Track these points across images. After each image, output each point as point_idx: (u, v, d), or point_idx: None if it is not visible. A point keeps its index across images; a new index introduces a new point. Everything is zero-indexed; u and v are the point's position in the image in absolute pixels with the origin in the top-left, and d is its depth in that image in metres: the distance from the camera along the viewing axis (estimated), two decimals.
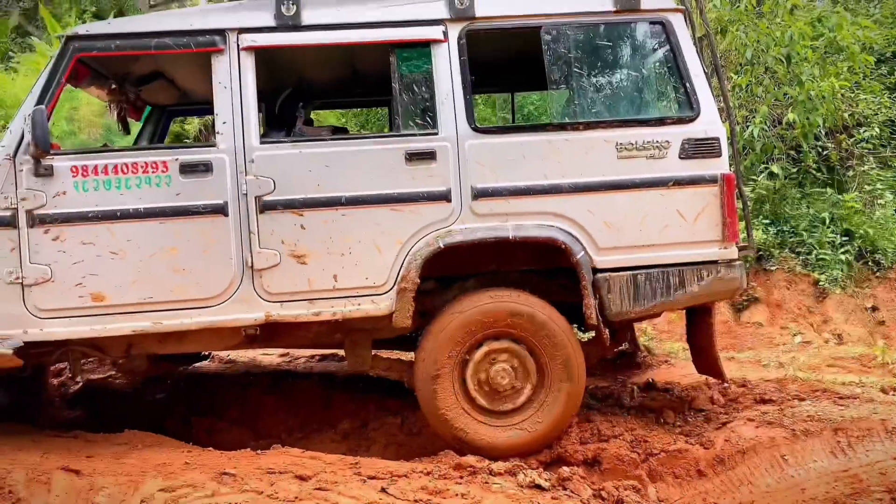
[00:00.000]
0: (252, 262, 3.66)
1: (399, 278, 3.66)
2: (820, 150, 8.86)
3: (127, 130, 4.97)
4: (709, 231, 3.75)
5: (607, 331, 3.78)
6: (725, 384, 4.38)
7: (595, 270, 3.69)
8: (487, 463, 3.35)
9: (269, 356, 5.79)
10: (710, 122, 3.75)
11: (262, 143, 3.73)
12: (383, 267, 3.68)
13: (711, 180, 3.72)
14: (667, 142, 3.72)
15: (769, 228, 7.95)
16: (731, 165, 3.85)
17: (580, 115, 3.81)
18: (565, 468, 3.32)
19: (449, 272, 3.90)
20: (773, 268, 7.77)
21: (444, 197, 3.69)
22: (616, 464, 3.61)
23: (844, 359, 5.52)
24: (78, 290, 3.54)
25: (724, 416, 4.01)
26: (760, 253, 7.83)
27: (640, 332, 6.63)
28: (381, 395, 4.62)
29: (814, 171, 8.79)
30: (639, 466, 3.61)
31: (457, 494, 2.94)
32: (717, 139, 3.74)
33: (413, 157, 3.71)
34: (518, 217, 3.71)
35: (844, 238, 7.93)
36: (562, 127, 3.82)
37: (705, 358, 4.14)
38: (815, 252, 7.85)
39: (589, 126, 3.77)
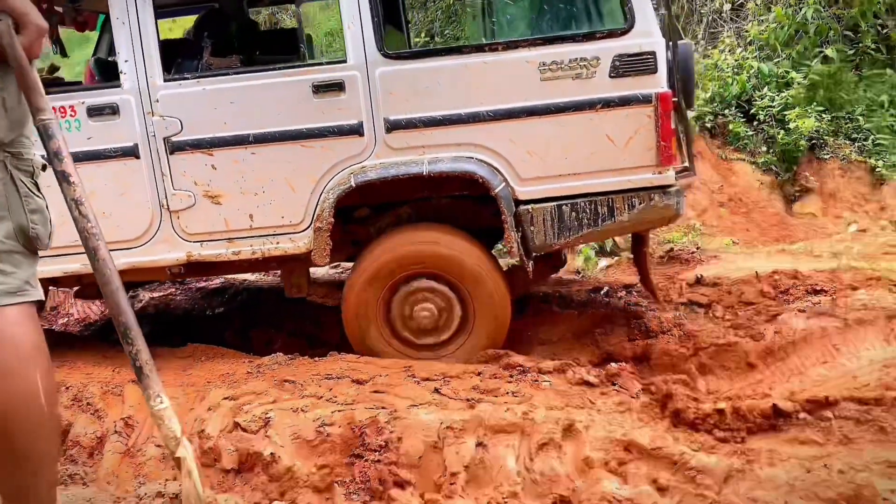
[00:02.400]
0: (168, 204, 3.64)
1: (315, 217, 3.60)
2: (880, 28, 8.39)
3: (64, 52, 4.74)
4: (641, 156, 3.45)
5: (531, 262, 3.62)
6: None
7: (518, 202, 3.52)
8: (537, 362, 3.41)
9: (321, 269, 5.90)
10: (645, 35, 3.39)
11: (165, 81, 3.59)
12: (298, 205, 3.61)
13: (645, 100, 3.39)
14: (596, 59, 3.38)
15: (823, 115, 7.66)
16: (669, 81, 3.53)
17: (500, 33, 3.58)
18: (613, 364, 3.37)
19: (383, 199, 3.79)
20: (826, 156, 7.54)
21: (356, 131, 3.53)
22: (665, 359, 3.65)
23: None
24: None
25: (774, 309, 3.99)
26: (813, 142, 7.59)
27: (689, 229, 6.56)
28: None
29: (872, 52, 8.36)
30: (688, 361, 3.64)
31: (507, 392, 3.02)
32: (653, 53, 3.39)
33: (320, 88, 3.52)
34: (436, 149, 3.51)
35: None
36: (479, 48, 3.58)
37: (645, 283, 4.11)
38: (871, 138, 7.57)
39: (509, 46, 3.50)
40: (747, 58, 8.27)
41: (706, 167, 7.62)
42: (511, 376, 3.31)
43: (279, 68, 3.64)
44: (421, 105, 3.50)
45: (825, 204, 7.45)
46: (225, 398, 3.18)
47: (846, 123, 7.75)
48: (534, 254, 3.63)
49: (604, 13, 3.74)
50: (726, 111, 8.01)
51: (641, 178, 3.48)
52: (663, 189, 3.50)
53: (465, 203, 3.76)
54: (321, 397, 3.14)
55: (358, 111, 3.52)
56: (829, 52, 7.87)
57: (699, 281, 4.59)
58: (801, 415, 2.79)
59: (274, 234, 3.66)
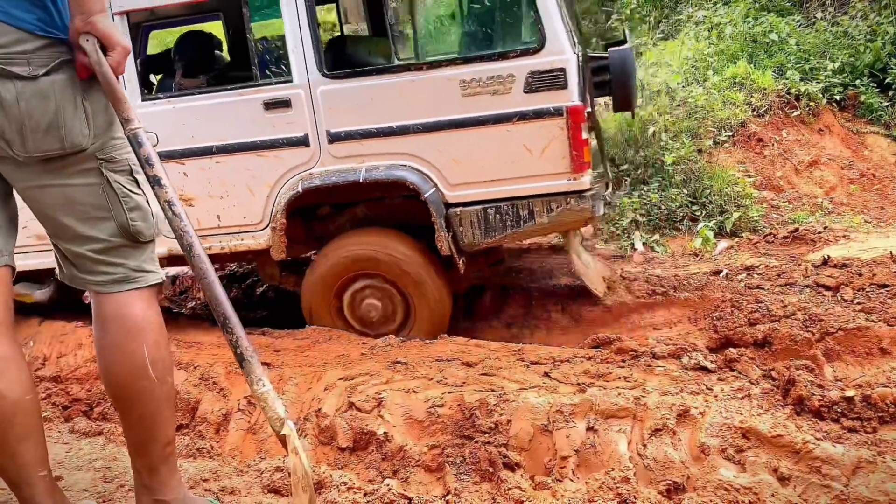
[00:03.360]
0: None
1: (271, 218, 4.01)
2: None
3: None
4: (556, 164, 3.70)
5: (462, 259, 3.92)
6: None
7: (448, 205, 3.85)
8: (650, 347, 3.33)
9: None
10: (556, 53, 3.62)
11: (142, 100, 4.05)
12: (258, 207, 4.05)
13: (557, 113, 3.64)
14: (510, 76, 3.65)
15: None
16: (581, 95, 3.67)
17: (424, 55, 3.87)
18: (732, 349, 3.24)
19: (342, 199, 4.19)
20: None
21: (303, 142, 3.94)
22: (788, 344, 3.46)
23: None
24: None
25: None
26: None
27: (816, 207, 6.21)
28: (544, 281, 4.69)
29: None
30: (813, 346, 3.44)
31: (619, 377, 2.97)
32: (563, 70, 3.61)
33: (270, 105, 3.93)
34: (373, 158, 3.87)
35: None
36: (406, 68, 3.85)
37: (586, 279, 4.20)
38: None
39: (433, 65, 3.80)
40: (881, 23, 7.70)
41: (835, 142, 7.19)
42: (623, 361, 3.25)
43: (235, 88, 4.03)
44: (358, 119, 3.88)
45: None
46: (340, 378, 3.28)
47: None
48: (465, 251, 3.94)
49: (519, 33, 4.01)
50: (857, 81, 7.50)
51: (557, 183, 3.75)
52: (579, 193, 3.74)
53: (414, 203, 3.96)
54: (432, 379, 3.19)
55: (304, 125, 3.93)
56: None
57: (826, 262, 4.35)
58: None
59: (238, 232, 4.12)
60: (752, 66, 7.67)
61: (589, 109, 3.81)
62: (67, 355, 3.97)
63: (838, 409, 2.62)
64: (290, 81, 3.92)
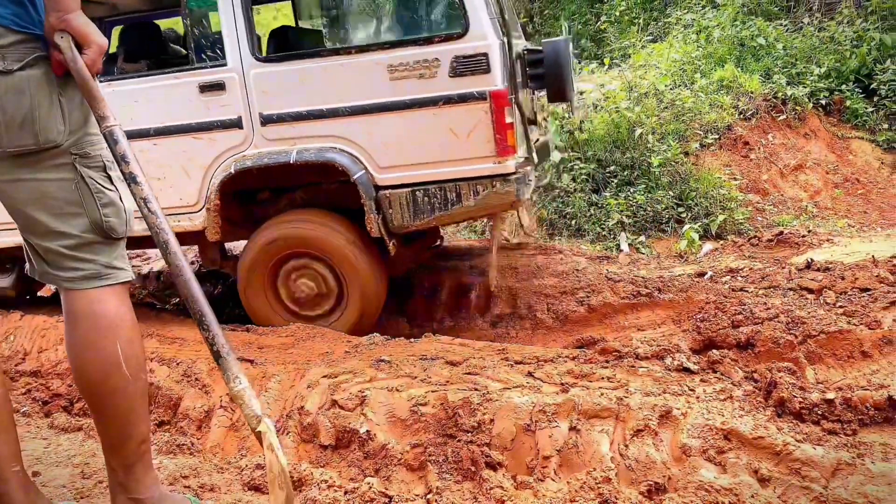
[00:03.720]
0: None
1: (206, 199, 4.08)
2: None
3: None
4: (482, 147, 3.77)
5: (393, 241, 3.98)
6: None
7: (378, 188, 3.92)
8: (634, 347, 3.34)
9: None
10: (479, 38, 3.71)
11: None
12: (193, 189, 4.11)
13: (481, 97, 3.72)
14: (436, 60, 3.73)
15: None
16: (506, 80, 3.76)
17: (353, 39, 3.94)
18: (715, 351, 3.25)
19: (280, 184, 4.28)
20: None
21: (237, 125, 4.02)
22: (771, 346, 3.48)
23: None
24: None
25: (893, 295, 3.75)
26: None
27: (801, 211, 6.26)
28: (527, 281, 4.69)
29: None
30: (796, 349, 3.46)
31: (602, 378, 2.97)
32: (486, 55, 3.70)
33: (205, 88, 4.02)
34: (305, 141, 3.94)
35: None
36: (336, 52, 3.96)
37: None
38: None
39: (361, 50, 3.90)
40: (868, 29, 7.77)
41: (820, 146, 7.24)
42: (607, 361, 3.25)
43: (172, 72, 4.12)
44: (289, 102, 3.96)
45: None
46: (324, 376, 3.26)
47: None
48: (395, 234, 4.01)
49: (445, 19, 4.11)
50: (843, 87, 7.56)
51: (483, 167, 3.82)
52: (504, 177, 3.81)
53: (352, 187, 4.01)
54: (416, 377, 3.18)
55: (237, 107, 4.02)
56: None
57: (809, 265, 4.38)
58: None
59: (176, 214, 4.13)
60: (739, 69, 7.72)
61: (513, 96, 3.88)
62: (48, 350, 3.93)
63: (819, 412, 2.64)
64: (225, 65, 4.01)
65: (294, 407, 3.10)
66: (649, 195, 6.24)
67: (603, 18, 10.87)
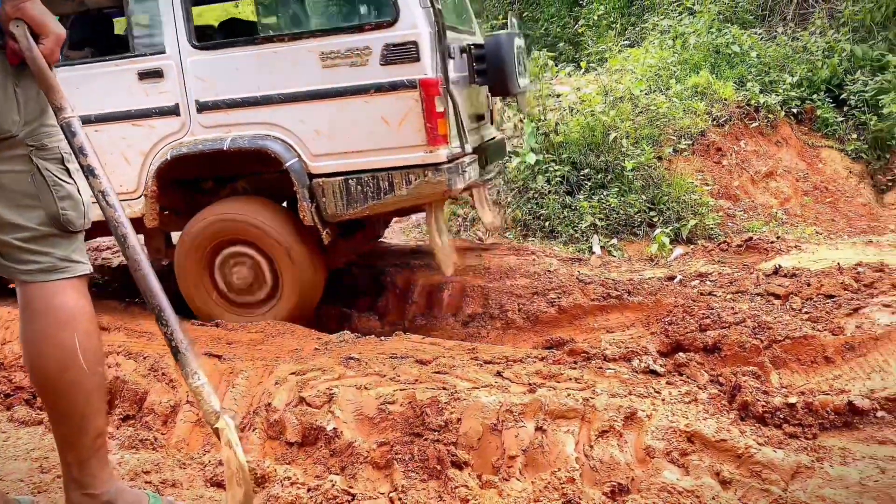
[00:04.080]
0: None
1: (145, 186, 4.12)
2: None
3: None
4: (413, 136, 3.81)
5: (327, 230, 4.00)
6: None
7: (311, 176, 3.94)
8: (602, 349, 3.37)
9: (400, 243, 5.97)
10: (409, 27, 3.76)
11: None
12: (133, 176, 4.15)
13: (411, 85, 3.76)
14: (367, 48, 3.78)
15: None
16: (438, 69, 3.81)
17: (286, 26, 3.98)
18: (682, 354, 3.29)
19: (222, 172, 4.33)
20: None
21: (174, 112, 4.06)
22: (737, 350, 3.52)
23: None
24: None
25: (856, 302, 3.81)
26: None
27: (770, 217, 6.34)
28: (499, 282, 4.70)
29: None
30: (761, 353, 3.51)
31: (570, 378, 2.99)
32: (416, 44, 3.74)
33: (144, 75, 4.08)
34: (240, 128, 3.98)
35: None
36: (269, 39, 4.00)
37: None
38: None
39: (294, 37, 3.94)
40: (839, 40, 7.90)
41: (791, 154, 7.35)
42: (575, 362, 3.27)
43: (112, 59, 4.15)
44: (225, 89, 4.00)
45: None
46: (292, 373, 3.25)
47: None
48: (328, 223, 4.02)
49: (377, 7, 4.15)
50: (814, 96, 7.68)
51: (415, 156, 3.85)
52: (435, 166, 3.83)
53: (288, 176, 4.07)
54: (384, 376, 3.17)
55: (175, 94, 4.06)
56: None
57: (777, 271, 4.44)
58: (879, 413, 2.66)
59: None
60: (714, 76, 7.81)
61: (445, 86, 3.89)
62: (12, 342, 3.87)
63: (781, 416, 2.68)
64: (163, 52, 4.04)
65: (261, 403, 3.09)
66: (622, 198, 6.29)
67: (581, 22, 10.93)
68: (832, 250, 5.10)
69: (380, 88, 3.81)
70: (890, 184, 7.13)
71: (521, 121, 7.01)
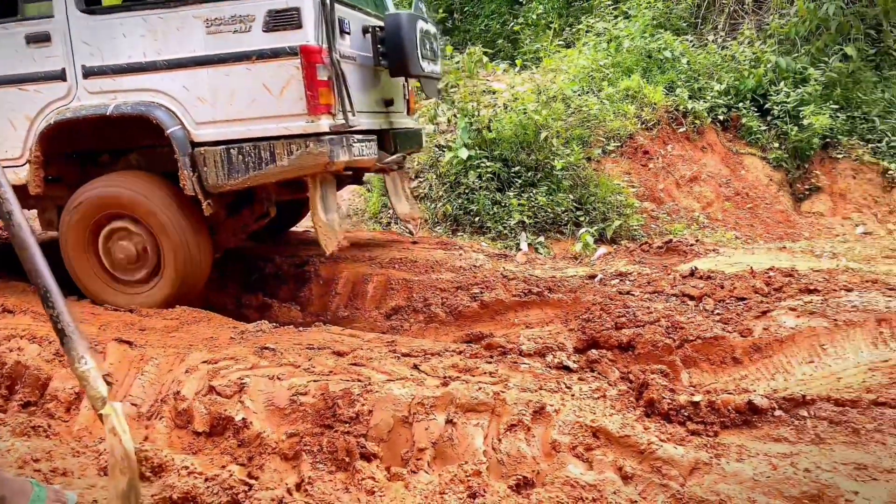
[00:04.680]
0: None
1: (30, 152, 4.08)
2: None
3: None
4: (294, 105, 3.82)
5: (209, 202, 3.98)
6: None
7: (194, 144, 3.92)
8: (519, 344, 3.40)
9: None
10: None
11: None
12: (18, 142, 4.11)
13: (292, 52, 3.79)
14: (250, 15, 3.79)
15: (838, 114, 7.56)
16: (322, 38, 3.82)
17: None
18: (594, 351, 3.34)
19: (118, 145, 4.29)
20: (839, 156, 7.45)
21: (60, 76, 4.02)
22: (650, 349, 3.60)
23: None
24: None
25: (765, 305, 3.94)
26: (826, 140, 7.50)
27: (692, 221, 6.51)
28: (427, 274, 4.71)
29: (893, 53, 8.22)
30: (673, 352, 3.60)
31: (485, 372, 3.01)
32: (298, 10, 3.75)
33: (31, 39, 4.03)
34: (126, 94, 3.98)
35: None
36: (156, 5, 3.95)
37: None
38: (886, 139, 7.47)
39: (180, 3, 3.90)
40: (766, 51, 8.15)
41: (715, 160, 7.55)
42: (491, 357, 3.29)
43: (0, 22, 4.07)
44: (111, 54, 3.97)
45: (834, 204, 7.37)
46: (203, 361, 3.18)
47: (861, 123, 7.65)
48: (211, 193, 3.99)
49: None
50: (740, 104, 7.91)
51: (296, 125, 3.86)
52: (317, 137, 3.84)
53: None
54: (299, 366, 3.14)
55: (61, 59, 4.02)
56: (849, 50, 7.75)
57: (693, 273, 4.55)
58: (777, 412, 2.75)
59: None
60: (645, 80, 7.96)
61: (332, 56, 3.88)
62: None
63: (685, 413, 2.75)
64: (51, 16, 3.98)
65: (170, 392, 3.01)
66: (551, 197, 6.36)
67: (520, 20, 11.01)
68: (748, 255, 5.26)
69: (262, 55, 3.80)
70: (807, 192, 7.40)
71: (454, 115, 7.02)
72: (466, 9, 12.90)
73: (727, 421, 2.75)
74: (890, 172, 7.26)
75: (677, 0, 9.30)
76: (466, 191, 6.53)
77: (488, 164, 6.56)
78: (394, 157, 4.84)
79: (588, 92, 7.73)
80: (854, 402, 2.73)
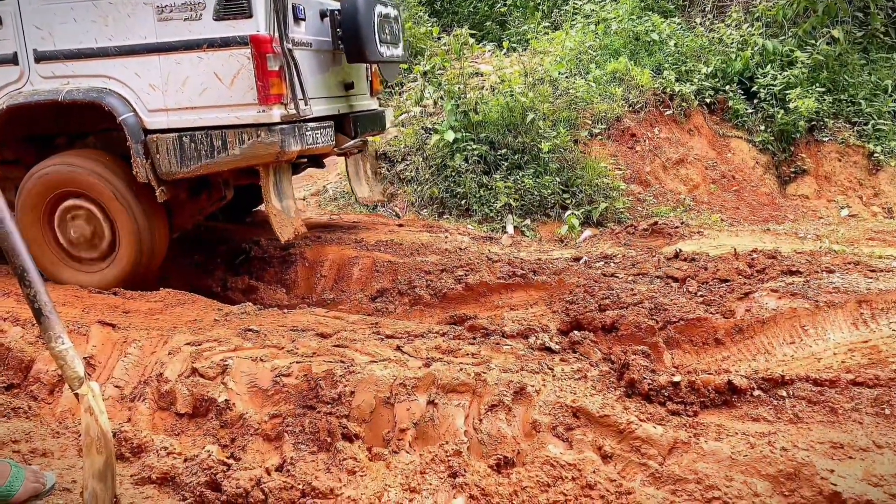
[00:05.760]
0: None
1: None
2: (891, 11, 8.25)
3: None
4: (245, 94, 3.84)
5: (162, 189, 3.99)
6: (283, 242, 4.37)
7: (147, 131, 3.89)
8: (501, 325, 3.41)
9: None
10: None
11: None
12: None
13: (242, 42, 3.78)
14: (201, 3, 3.79)
15: (824, 97, 7.57)
16: (273, 27, 3.82)
17: None
18: (577, 332, 3.36)
19: (75, 129, 4.29)
20: (824, 139, 7.47)
21: (12, 60, 4.02)
22: (633, 331, 3.62)
23: (886, 232, 5.34)
24: None
25: (747, 287, 3.96)
26: (812, 123, 7.52)
27: (678, 203, 6.52)
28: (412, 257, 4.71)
29: (881, 35, 8.23)
30: (656, 334, 3.61)
31: (467, 354, 3.02)
32: None
33: None
34: (78, 80, 3.97)
35: None
36: None
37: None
38: (872, 122, 7.48)
39: None
40: (753, 34, 8.14)
41: (702, 143, 7.56)
42: (474, 338, 3.30)
43: None
44: (63, 39, 3.95)
45: (819, 187, 7.40)
46: (187, 343, 3.18)
47: (847, 107, 7.66)
48: (164, 180, 4.00)
49: None
50: (727, 87, 7.91)
51: (247, 114, 3.87)
52: (269, 126, 3.85)
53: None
54: (282, 348, 3.14)
55: (13, 42, 4.00)
56: (836, 32, 7.74)
57: (677, 255, 4.57)
58: (756, 392, 2.78)
59: None
60: (632, 62, 7.95)
61: (284, 45, 3.88)
62: None
63: (665, 394, 2.77)
64: None
65: (153, 374, 3.02)
66: (537, 180, 6.36)
67: (508, 1, 10.96)
68: (732, 237, 5.29)
69: (213, 44, 3.80)
70: (793, 175, 7.43)
71: (441, 98, 6.99)
72: None
73: (707, 401, 2.77)
74: (875, 155, 7.29)
75: None
76: (453, 173, 6.51)
77: (475, 146, 6.54)
78: (353, 141, 4.83)
79: (575, 74, 7.71)
80: (832, 382, 2.77)
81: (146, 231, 4.11)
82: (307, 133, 4.08)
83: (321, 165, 5.68)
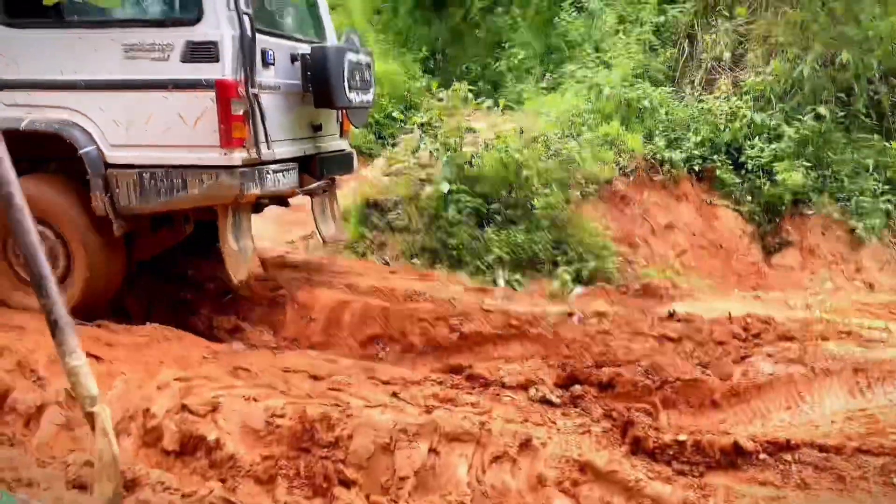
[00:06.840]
0: None
1: None
2: (872, 94, 8.49)
3: None
4: (208, 136, 3.85)
5: (120, 223, 3.97)
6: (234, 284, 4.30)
7: (107, 165, 3.92)
8: (500, 376, 3.34)
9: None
10: (211, 26, 3.78)
11: None
12: None
13: (208, 85, 3.80)
14: (169, 44, 3.82)
15: (810, 172, 7.70)
16: (239, 72, 3.82)
17: (92, 13, 3.89)
18: (578, 386, 3.30)
19: (38, 154, 4.15)
20: (809, 212, 7.56)
21: None
22: (630, 389, 3.58)
23: (873, 305, 5.37)
24: None
25: (743, 351, 3.94)
26: (798, 196, 7.63)
27: (667, 266, 6.54)
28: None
29: (862, 117, 8.44)
30: (653, 393, 3.57)
31: (467, 403, 2.95)
32: (216, 43, 3.78)
33: None
34: (40, 110, 3.96)
35: (887, 187, 7.66)
36: (77, 24, 3.95)
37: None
38: (854, 199, 7.61)
39: (97, 25, 3.93)
40: (741, 107, 8.32)
41: (690, 210, 7.63)
42: (473, 388, 3.24)
43: None
44: (28, 68, 3.95)
45: (803, 259, 7.46)
46: (176, 378, 3.07)
47: (831, 182, 7.79)
48: (122, 215, 3.97)
49: (182, 4, 4.12)
50: (716, 157, 8.03)
51: (208, 156, 3.87)
52: (229, 169, 3.85)
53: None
54: (275, 388, 3.05)
55: None
56: (822, 110, 7.92)
57: (671, 315, 4.55)
58: (762, 455, 2.74)
59: None
60: (624, 128, 8.06)
61: (249, 90, 3.88)
62: None
63: (671, 452, 2.71)
64: None
65: (139, 408, 2.90)
66: (529, 235, 6.35)
67: (503, 63, 11.14)
68: (723, 301, 5.29)
69: (178, 85, 3.80)
70: (778, 246, 7.49)
71: (436, 150, 7.02)
72: (448, 51, 13.03)
73: (712, 462, 2.72)
74: (857, 231, 7.39)
75: (656, 53, 9.48)
76: (445, 224, 6.49)
77: (468, 198, 6.54)
78: (318, 183, 4.80)
79: (568, 135, 7.79)
80: (838, 449, 2.72)
81: (101, 261, 4.05)
82: (268, 176, 4.07)
83: (286, 204, 5.63)
